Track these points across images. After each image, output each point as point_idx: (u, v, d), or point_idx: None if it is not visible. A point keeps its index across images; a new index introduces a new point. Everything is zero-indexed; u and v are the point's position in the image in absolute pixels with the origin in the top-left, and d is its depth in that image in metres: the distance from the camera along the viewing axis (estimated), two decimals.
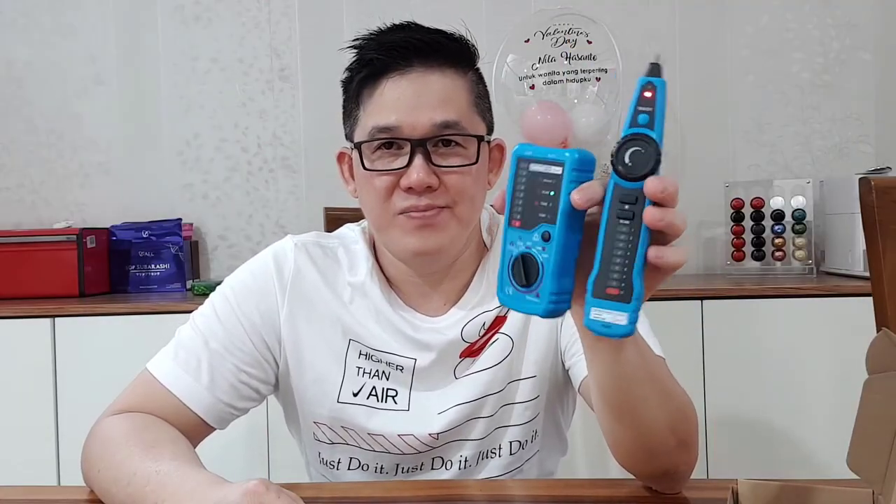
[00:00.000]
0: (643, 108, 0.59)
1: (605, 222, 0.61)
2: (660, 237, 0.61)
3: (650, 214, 0.59)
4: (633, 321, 0.60)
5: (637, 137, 0.59)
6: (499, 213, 0.67)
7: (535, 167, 0.63)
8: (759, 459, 1.85)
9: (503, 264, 0.65)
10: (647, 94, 0.59)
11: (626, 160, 0.59)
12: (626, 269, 0.60)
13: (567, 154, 0.62)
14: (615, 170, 0.60)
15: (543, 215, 0.62)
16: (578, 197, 0.61)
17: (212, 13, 2.48)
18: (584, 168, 0.62)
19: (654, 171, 0.59)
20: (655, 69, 0.59)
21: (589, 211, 0.63)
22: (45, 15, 2.50)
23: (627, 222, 0.60)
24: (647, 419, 0.79)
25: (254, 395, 1.04)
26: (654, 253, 0.60)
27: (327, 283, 1.05)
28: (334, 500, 0.89)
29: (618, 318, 0.60)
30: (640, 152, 0.59)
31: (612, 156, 0.60)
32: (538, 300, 0.63)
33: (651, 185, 0.59)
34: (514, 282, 0.64)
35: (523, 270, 0.63)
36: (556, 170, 0.62)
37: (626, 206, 0.60)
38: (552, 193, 0.62)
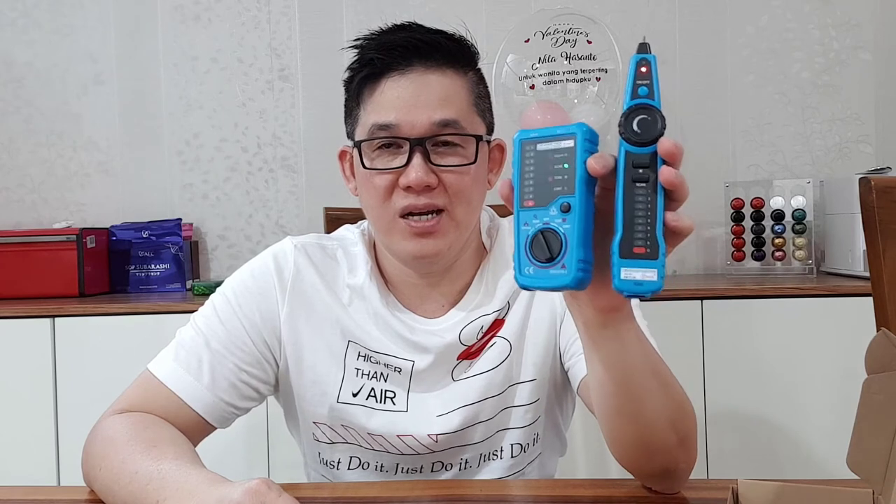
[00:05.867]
0: (642, 82, 0.63)
1: (621, 187, 0.63)
2: (670, 203, 0.63)
3: (667, 172, 0.62)
4: (663, 276, 0.62)
5: (641, 107, 0.63)
6: (505, 202, 0.67)
7: (542, 146, 0.65)
8: (759, 459, 1.85)
9: (519, 246, 0.65)
10: (643, 69, 0.63)
11: (635, 128, 0.62)
12: (649, 228, 0.62)
13: (577, 127, 0.64)
14: (625, 138, 0.63)
15: (560, 188, 0.64)
16: (595, 163, 0.63)
17: (211, 13, 2.48)
18: (593, 139, 0.65)
19: (661, 135, 0.62)
20: (645, 47, 0.64)
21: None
22: (45, 15, 2.51)
23: (644, 184, 0.62)
24: (648, 413, 0.79)
25: (254, 395, 1.04)
26: (671, 217, 0.62)
27: (326, 285, 1.05)
28: (334, 500, 0.89)
29: (647, 274, 0.61)
30: (646, 119, 0.62)
31: (619, 126, 0.63)
32: (565, 272, 0.63)
33: (665, 144, 0.62)
34: (534, 259, 0.64)
35: (546, 244, 0.63)
36: (568, 143, 0.64)
37: (641, 170, 0.62)
38: (566, 166, 0.64)
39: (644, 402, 0.78)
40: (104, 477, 0.87)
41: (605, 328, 0.73)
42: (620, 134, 0.63)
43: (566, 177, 0.64)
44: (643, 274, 0.61)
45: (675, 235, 0.63)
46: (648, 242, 0.62)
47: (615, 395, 0.78)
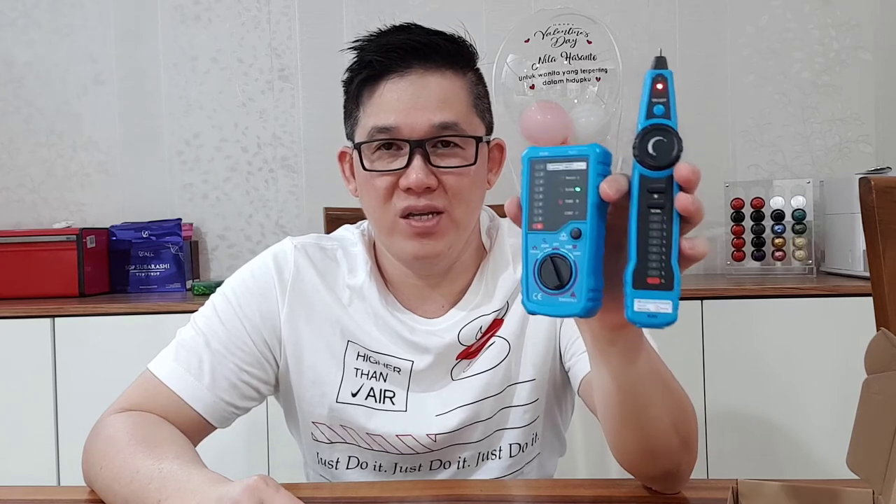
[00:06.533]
0: (657, 100, 0.60)
1: (635, 214, 0.60)
2: (684, 226, 0.60)
3: (683, 200, 0.59)
4: (677, 307, 0.59)
5: (657, 128, 0.59)
6: (513, 222, 0.65)
7: (553, 167, 0.62)
8: (759, 459, 1.85)
9: (527, 270, 0.62)
10: (660, 86, 0.60)
11: (651, 150, 0.59)
12: (664, 257, 0.59)
13: (589, 148, 0.61)
14: (640, 161, 0.59)
15: (570, 213, 0.61)
16: (608, 188, 0.60)
17: (211, 13, 2.48)
18: (606, 161, 0.62)
19: (678, 158, 0.59)
20: (662, 62, 0.60)
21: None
22: (45, 15, 2.51)
23: (659, 211, 0.59)
24: (652, 419, 0.79)
25: (254, 395, 1.04)
26: (688, 244, 0.60)
27: (326, 285, 1.05)
28: (334, 500, 0.89)
29: (662, 306, 0.59)
30: (662, 142, 0.59)
31: (634, 148, 0.60)
32: (574, 300, 0.60)
33: (683, 170, 0.59)
34: (543, 285, 0.61)
35: (555, 271, 0.61)
36: (580, 165, 0.61)
37: (656, 196, 0.59)
38: (578, 189, 0.61)
39: (649, 410, 0.78)
40: (105, 476, 0.87)
41: (614, 345, 0.72)
42: (635, 156, 0.60)
43: (577, 201, 0.61)
44: (657, 305, 0.59)
45: (686, 261, 0.61)
46: (663, 272, 0.59)
47: (621, 405, 0.78)
